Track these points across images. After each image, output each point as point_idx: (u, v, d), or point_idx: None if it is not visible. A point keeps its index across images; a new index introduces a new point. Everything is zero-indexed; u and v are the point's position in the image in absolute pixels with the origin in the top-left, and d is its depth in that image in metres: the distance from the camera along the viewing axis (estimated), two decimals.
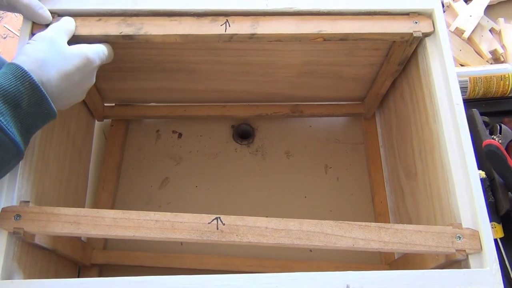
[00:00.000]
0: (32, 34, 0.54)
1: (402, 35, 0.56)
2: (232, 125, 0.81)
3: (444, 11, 0.90)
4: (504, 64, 0.83)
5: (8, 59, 0.57)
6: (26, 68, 0.44)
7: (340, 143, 0.80)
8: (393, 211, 0.73)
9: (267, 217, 0.48)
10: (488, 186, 0.69)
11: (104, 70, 0.67)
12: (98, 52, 0.53)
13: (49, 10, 0.55)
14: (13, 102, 0.43)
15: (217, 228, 0.46)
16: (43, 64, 0.46)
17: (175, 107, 0.78)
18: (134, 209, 0.48)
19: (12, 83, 0.43)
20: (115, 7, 0.56)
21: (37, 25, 0.54)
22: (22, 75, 0.44)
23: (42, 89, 0.45)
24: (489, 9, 0.93)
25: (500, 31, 0.90)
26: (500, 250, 0.67)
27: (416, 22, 0.57)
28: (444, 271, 0.46)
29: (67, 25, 0.53)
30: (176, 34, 0.55)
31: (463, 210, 0.49)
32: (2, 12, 0.95)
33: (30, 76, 0.44)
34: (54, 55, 0.48)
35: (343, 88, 0.74)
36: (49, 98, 0.46)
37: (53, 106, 0.46)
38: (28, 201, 0.48)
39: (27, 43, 0.48)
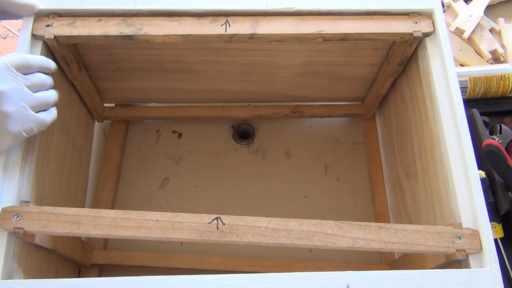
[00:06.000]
0: (32, 35, 0.54)
1: (402, 35, 0.57)
2: (232, 125, 0.81)
3: (444, 11, 0.90)
4: (504, 64, 0.83)
5: None
6: None
7: (340, 143, 0.80)
8: (393, 211, 0.73)
9: (267, 217, 0.48)
10: (488, 186, 0.69)
11: (104, 70, 0.67)
12: (23, 65, 0.48)
13: (49, 10, 0.55)
14: None
15: (217, 228, 0.46)
16: None
17: (175, 108, 0.78)
18: (134, 209, 0.48)
19: None
20: (115, 7, 0.56)
21: (37, 26, 0.55)
22: None
23: None
24: (489, 9, 0.93)
25: (500, 31, 0.90)
26: (500, 250, 0.67)
27: (416, 22, 0.57)
28: (444, 271, 0.46)
29: None
30: (176, 34, 0.55)
31: (463, 210, 0.49)
32: None
33: None
34: None
35: (343, 88, 0.74)
36: None
37: None
38: (28, 201, 0.48)
39: None
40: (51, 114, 0.51)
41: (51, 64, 0.52)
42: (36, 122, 0.48)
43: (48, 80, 0.51)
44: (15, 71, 0.47)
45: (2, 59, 0.47)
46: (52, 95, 0.51)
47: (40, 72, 0.51)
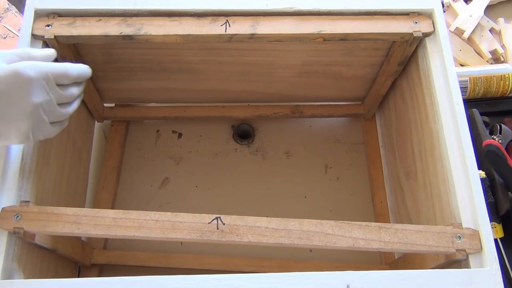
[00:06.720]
0: (32, 34, 0.54)
1: (402, 35, 0.57)
2: (232, 125, 0.81)
3: (444, 11, 0.90)
4: (504, 64, 0.83)
5: None
6: None
7: (340, 143, 0.80)
8: (393, 211, 0.73)
9: (267, 217, 0.48)
10: (488, 186, 0.69)
11: (104, 70, 0.67)
12: (40, 68, 0.45)
13: (49, 10, 0.55)
14: None
15: (217, 228, 0.46)
16: None
17: (175, 108, 0.78)
18: (134, 209, 0.48)
19: None
20: (115, 7, 0.56)
21: (37, 26, 0.55)
22: None
23: None
24: (489, 9, 0.93)
25: (500, 31, 0.90)
26: (500, 250, 0.67)
27: (416, 22, 0.57)
28: (444, 271, 0.46)
29: (25, 50, 0.48)
30: (176, 34, 0.55)
31: (463, 210, 0.49)
32: (2, 12, 0.95)
33: None
34: None
35: (343, 88, 0.74)
36: None
37: None
38: (28, 201, 0.48)
39: None
40: (62, 126, 0.51)
41: (88, 73, 0.52)
42: (47, 134, 0.48)
43: (77, 93, 0.51)
44: (53, 84, 0.47)
45: (45, 66, 0.46)
46: (72, 110, 0.51)
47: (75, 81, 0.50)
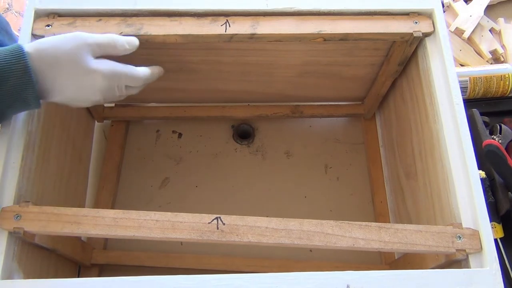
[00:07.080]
0: (32, 34, 0.54)
1: (402, 35, 0.57)
2: (232, 125, 0.81)
3: (444, 11, 0.90)
4: (504, 64, 0.83)
5: None
6: (26, 51, 0.45)
7: (340, 143, 0.80)
8: (393, 211, 0.73)
9: (267, 217, 0.48)
10: (488, 186, 0.69)
11: None
12: (119, 74, 0.51)
13: (50, 10, 0.56)
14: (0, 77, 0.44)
15: (217, 228, 0.47)
16: (50, 57, 0.46)
17: (175, 108, 0.78)
18: (134, 209, 0.48)
19: (7, 59, 0.44)
20: (115, 7, 0.56)
21: (37, 25, 0.55)
22: (19, 55, 0.44)
23: (33, 75, 0.45)
24: (489, 9, 0.93)
25: (500, 31, 0.90)
26: (500, 250, 0.67)
27: (416, 22, 0.57)
28: (444, 271, 0.46)
29: (113, 42, 0.51)
30: (176, 34, 0.55)
31: (463, 210, 0.49)
32: (2, 12, 0.95)
33: (26, 59, 0.44)
34: (66, 55, 0.47)
35: (343, 88, 0.74)
36: (36, 87, 0.45)
37: (37, 96, 0.46)
38: (28, 201, 0.48)
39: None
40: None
41: (158, 75, 0.58)
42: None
43: (139, 90, 0.57)
44: (123, 87, 0.53)
45: (123, 73, 0.52)
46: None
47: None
